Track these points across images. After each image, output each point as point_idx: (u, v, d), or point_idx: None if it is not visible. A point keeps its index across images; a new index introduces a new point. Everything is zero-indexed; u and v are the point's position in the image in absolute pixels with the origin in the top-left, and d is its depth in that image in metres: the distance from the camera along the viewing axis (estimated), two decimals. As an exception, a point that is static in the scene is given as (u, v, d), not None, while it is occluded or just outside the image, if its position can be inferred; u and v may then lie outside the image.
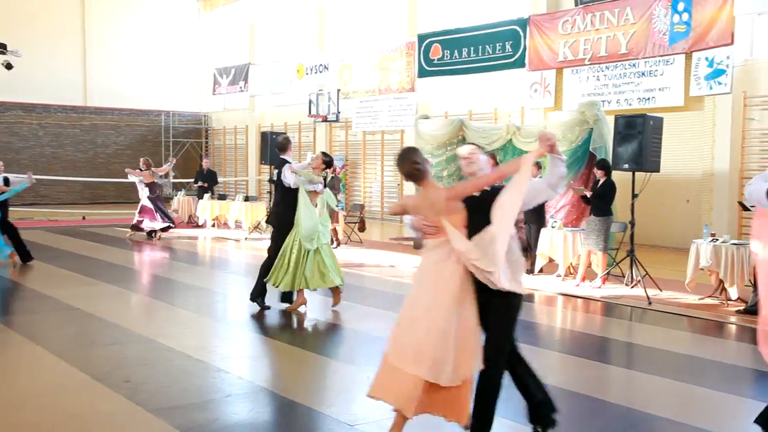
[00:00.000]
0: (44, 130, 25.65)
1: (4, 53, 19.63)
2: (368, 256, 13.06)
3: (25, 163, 24.97)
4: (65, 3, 26.07)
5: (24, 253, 11.48)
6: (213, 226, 17.70)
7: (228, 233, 16.70)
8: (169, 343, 6.75)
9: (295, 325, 7.70)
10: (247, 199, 17.55)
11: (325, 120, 21.44)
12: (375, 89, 20.39)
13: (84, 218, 19.79)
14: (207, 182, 18.12)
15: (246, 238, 15.57)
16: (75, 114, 26.19)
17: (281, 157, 7.99)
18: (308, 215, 7.65)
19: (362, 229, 15.21)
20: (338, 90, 21.14)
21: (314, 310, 8.38)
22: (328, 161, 7.95)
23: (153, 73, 27.56)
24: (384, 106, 20.11)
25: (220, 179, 21.82)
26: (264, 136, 16.26)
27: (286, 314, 8.08)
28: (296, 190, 7.74)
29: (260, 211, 16.94)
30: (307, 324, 7.69)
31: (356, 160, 21.89)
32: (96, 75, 26.44)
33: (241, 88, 25.93)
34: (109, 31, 26.63)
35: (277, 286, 7.87)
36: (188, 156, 27.25)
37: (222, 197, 18.37)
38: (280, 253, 7.80)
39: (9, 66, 19.78)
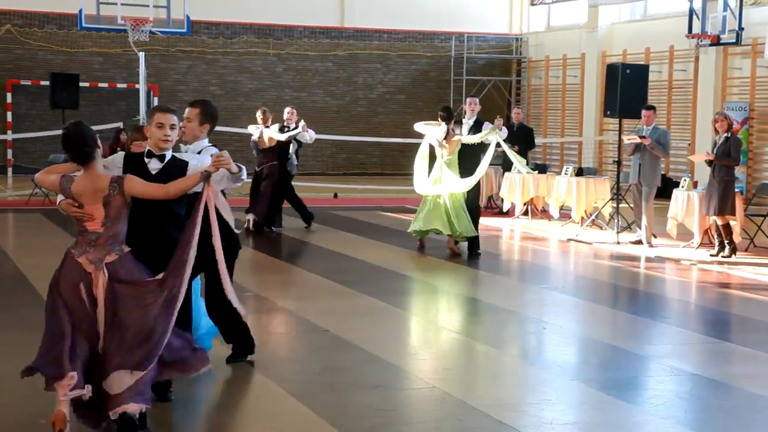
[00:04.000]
0: (284, 63, 27.86)
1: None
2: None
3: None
4: None
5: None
6: (525, 213, 17.95)
7: (548, 227, 16.98)
8: (452, 389, 7.03)
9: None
10: (580, 172, 17.54)
11: (716, 42, 20.73)
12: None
13: (336, 196, 21.24)
14: (519, 144, 18.43)
15: (577, 236, 15.57)
16: (327, 40, 28.07)
17: None
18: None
19: (778, 227, 14.56)
20: (741, -9, 20.33)
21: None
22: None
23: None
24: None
25: (538, 140, 22.06)
26: (611, 70, 16.14)
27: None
28: None
29: (601, 192, 16.83)
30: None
31: (768, 109, 20.96)
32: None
33: (576, -7, 26.03)
34: None
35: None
36: (490, 103, 27.93)
37: (541, 169, 18.57)
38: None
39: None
